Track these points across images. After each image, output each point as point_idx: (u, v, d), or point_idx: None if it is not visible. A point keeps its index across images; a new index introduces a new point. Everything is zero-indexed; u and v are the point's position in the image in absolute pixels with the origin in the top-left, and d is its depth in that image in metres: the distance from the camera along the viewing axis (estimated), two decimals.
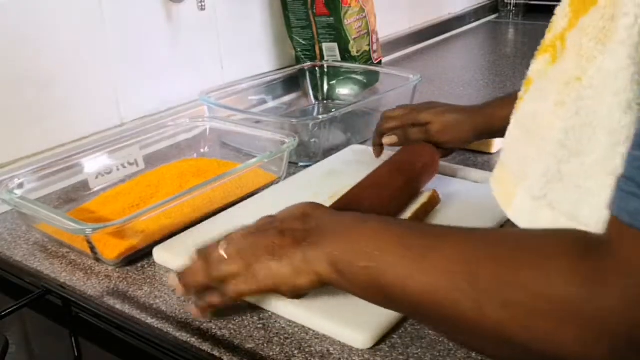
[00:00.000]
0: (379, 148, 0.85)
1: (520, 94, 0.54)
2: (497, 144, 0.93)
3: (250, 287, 0.52)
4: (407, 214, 0.68)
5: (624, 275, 0.33)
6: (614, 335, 0.33)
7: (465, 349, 0.47)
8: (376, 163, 0.78)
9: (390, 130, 0.82)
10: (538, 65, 0.51)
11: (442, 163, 0.81)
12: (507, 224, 0.58)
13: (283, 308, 0.57)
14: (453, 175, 0.84)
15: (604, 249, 0.35)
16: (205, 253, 0.55)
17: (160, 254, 0.68)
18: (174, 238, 0.70)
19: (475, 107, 0.80)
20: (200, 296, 0.55)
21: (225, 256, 0.53)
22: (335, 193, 0.72)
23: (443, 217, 0.71)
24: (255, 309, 0.59)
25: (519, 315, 0.36)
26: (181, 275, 0.55)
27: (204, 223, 0.73)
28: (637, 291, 0.32)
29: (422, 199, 0.71)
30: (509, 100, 0.71)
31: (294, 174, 0.88)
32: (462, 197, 0.75)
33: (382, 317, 0.54)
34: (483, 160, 0.90)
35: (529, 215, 0.48)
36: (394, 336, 0.54)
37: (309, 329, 0.56)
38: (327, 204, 0.65)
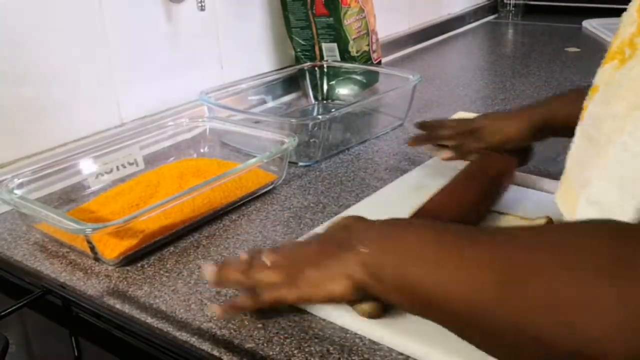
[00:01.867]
0: (415, 143, 0.83)
1: (585, 104, 0.51)
2: None
3: (289, 295, 0.52)
4: None
5: None
6: None
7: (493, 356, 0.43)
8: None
9: (444, 138, 0.80)
10: (605, 73, 0.49)
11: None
12: None
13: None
14: (530, 186, 0.79)
15: None
16: (249, 256, 0.55)
17: None
18: None
19: (530, 105, 0.77)
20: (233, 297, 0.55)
21: (268, 263, 0.53)
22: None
23: None
24: (257, 312, 0.59)
25: (556, 315, 0.34)
26: (220, 268, 0.55)
27: (304, 238, 0.68)
28: None
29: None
30: (573, 97, 0.66)
31: (294, 173, 0.89)
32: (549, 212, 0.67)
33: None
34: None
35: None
36: None
37: (309, 328, 0.56)
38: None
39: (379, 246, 0.48)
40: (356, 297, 0.50)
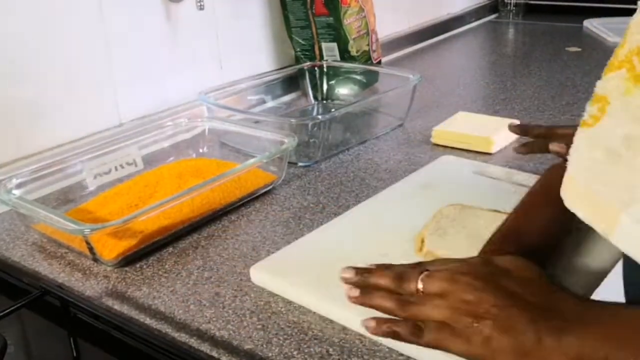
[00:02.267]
0: (526, 149, 0.77)
1: (590, 112, 0.48)
2: (497, 143, 0.92)
3: (457, 348, 0.43)
4: None
5: None
6: None
7: None
8: (473, 177, 0.78)
9: (561, 139, 0.71)
10: (612, 81, 0.46)
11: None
12: None
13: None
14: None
15: None
16: (399, 273, 0.47)
17: (257, 275, 0.63)
18: (274, 255, 0.65)
19: None
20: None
21: (423, 291, 0.45)
22: (440, 211, 0.69)
23: None
24: (253, 310, 0.59)
25: None
26: (365, 286, 0.48)
27: (299, 242, 0.68)
28: None
29: None
30: None
31: (293, 174, 0.88)
32: None
33: None
34: (483, 159, 0.90)
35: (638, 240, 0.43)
36: None
37: (308, 329, 0.56)
38: (435, 222, 0.66)
39: (606, 340, 0.39)
40: None
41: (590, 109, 0.49)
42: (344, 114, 0.96)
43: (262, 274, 0.63)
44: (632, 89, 0.45)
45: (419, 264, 0.48)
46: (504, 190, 0.77)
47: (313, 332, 0.55)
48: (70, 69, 0.90)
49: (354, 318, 0.55)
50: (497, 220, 0.64)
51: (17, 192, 0.73)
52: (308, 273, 0.61)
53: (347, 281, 0.48)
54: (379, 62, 1.29)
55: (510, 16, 2.03)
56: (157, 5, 1.00)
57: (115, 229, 0.65)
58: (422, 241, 0.64)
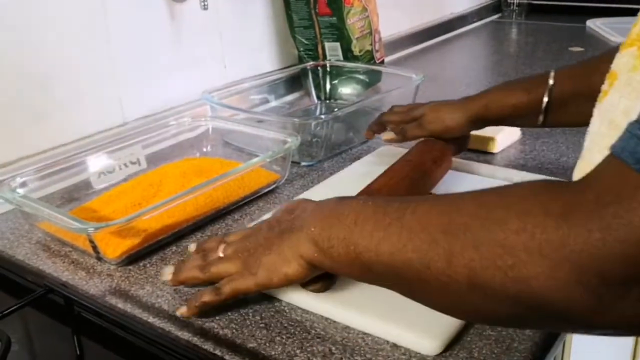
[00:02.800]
0: (371, 133, 0.87)
1: (603, 87, 0.51)
2: (500, 143, 0.93)
3: (246, 285, 0.55)
4: None
5: (595, 204, 0.32)
6: (583, 271, 0.32)
7: (438, 310, 0.44)
8: None
9: (391, 123, 0.85)
10: (623, 59, 0.49)
11: (457, 160, 0.83)
12: None
13: (334, 309, 0.57)
14: (468, 171, 0.84)
15: (578, 186, 0.35)
16: (203, 251, 0.59)
17: None
18: None
19: (470, 96, 0.81)
20: (193, 295, 0.58)
21: (221, 254, 0.57)
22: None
23: None
24: (257, 309, 0.59)
25: (491, 256, 0.36)
26: (177, 268, 0.59)
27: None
28: (605, 217, 0.32)
29: None
30: (509, 89, 0.76)
31: (297, 173, 0.88)
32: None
33: (446, 321, 0.51)
34: (486, 159, 0.90)
35: None
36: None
37: (311, 328, 0.56)
38: None
39: (326, 223, 0.49)
40: (310, 275, 0.53)
41: (604, 84, 0.51)
42: (346, 114, 0.96)
43: None
44: (638, 66, 0.46)
45: (224, 235, 0.60)
46: None
47: (316, 330, 0.55)
48: (74, 68, 0.90)
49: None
50: None
51: (21, 190, 0.73)
52: None
53: (163, 275, 0.60)
54: (382, 62, 1.29)
55: (513, 16, 2.03)
56: (160, 5, 1.00)
57: (119, 228, 0.66)
58: None
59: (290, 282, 0.54)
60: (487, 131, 0.94)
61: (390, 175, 0.73)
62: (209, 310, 0.57)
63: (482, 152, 0.92)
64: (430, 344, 0.52)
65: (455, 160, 0.83)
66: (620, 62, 0.49)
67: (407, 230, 0.42)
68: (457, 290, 0.38)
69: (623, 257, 0.31)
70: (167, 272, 0.61)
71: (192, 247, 0.64)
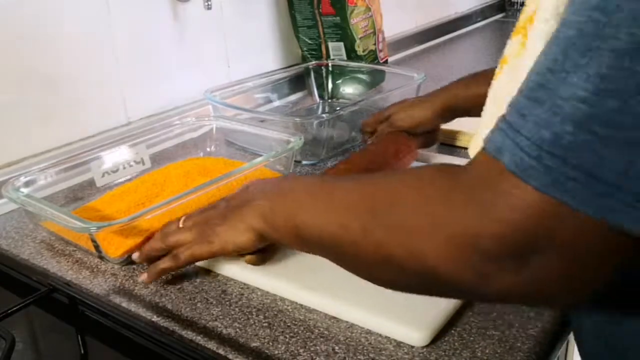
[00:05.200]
0: (365, 139, 0.93)
1: (496, 71, 0.57)
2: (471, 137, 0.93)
3: (201, 251, 0.59)
4: None
5: (471, 189, 0.36)
6: (465, 249, 0.36)
7: (363, 278, 0.48)
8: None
9: (368, 126, 0.91)
10: (513, 45, 0.54)
11: (423, 152, 0.88)
12: None
13: (321, 300, 0.58)
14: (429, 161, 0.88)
15: (462, 173, 0.39)
16: (165, 226, 0.64)
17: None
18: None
19: (437, 90, 0.86)
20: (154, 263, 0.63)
21: (181, 226, 0.62)
22: None
23: None
24: (260, 308, 0.59)
25: (396, 234, 0.41)
26: (143, 247, 0.65)
27: None
28: (479, 201, 0.35)
29: None
30: (473, 79, 0.81)
31: (299, 172, 0.88)
32: None
33: (435, 312, 0.55)
34: (461, 154, 0.91)
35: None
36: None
37: (314, 327, 0.56)
38: None
39: (273, 198, 0.55)
40: (259, 245, 0.58)
41: (497, 68, 0.57)
42: (349, 113, 0.96)
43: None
44: (521, 51, 0.53)
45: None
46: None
47: (319, 330, 0.56)
48: (79, 68, 0.90)
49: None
50: None
51: (25, 190, 0.73)
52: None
53: (135, 257, 0.65)
54: (386, 62, 1.29)
55: (517, 15, 2.03)
56: (164, 5, 1.01)
57: (121, 227, 0.66)
58: None
59: (241, 250, 0.59)
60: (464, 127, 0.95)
61: (348, 169, 0.76)
62: (169, 279, 0.64)
63: (458, 147, 0.93)
64: (419, 335, 0.53)
65: (424, 152, 0.88)
66: (510, 48, 0.56)
67: (334, 207, 0.47)
68: (372, 262, 0.43)
69: (497, 236, 0.35)
70: (136, 254, 0.65)
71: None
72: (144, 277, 0.62)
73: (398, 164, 0.80)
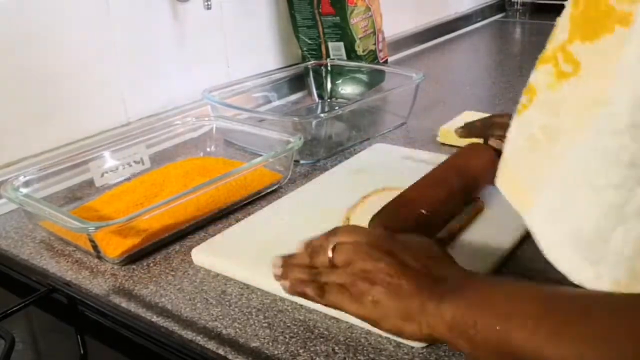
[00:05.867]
0: (466, 132, 0.83)
1: (522, 101, 0.51)
2: None
3: (350, 308, 0.49)
4: (454, 223, 0.67)
5: None
6: None
7: None
8: (401, 161, 0.84)
9: (501, 128, 0.76)
10: (540, 75, 0.49)
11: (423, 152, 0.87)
12: None
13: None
14: None
15: None
16: (312, 249, 0.53)
17: (198, 257, 0.67)
18: (212, 240, 0.69)
19: None
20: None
21: (331, 256, 0.51)
22: (369, 194, 0.76)
23: (483, 220, 0.70)
24: (260, 308, 0.59)
25: None
26: (285, 263, 0.53)
27: (241, 223, 0.73)
28: None
29: (469, 210, 0.70)
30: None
31: (298, 172, 0.88)
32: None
33: None
34: None
35: (546, 223, 0.46)
36: None
37: (314, 327, 0.56)
38: (361, 204, 0.73)
39: (476, 303, 0.43)
40: (426, 342, 0.51)
41: (523, 97, 0.52)
42: (347, 112, 0.96)
43: (204, 256, 0.67)
44: (555, 85, 0.48)
45: (332, 231, 0.53)
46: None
47: (319, 330, 0.55)
48: (78, 67, 0.90)
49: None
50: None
51: (24, 190, 0.73)
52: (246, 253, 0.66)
53: (274, 266, 0.54)
54: (386, 62, 1.29)
55: (517, 15, 2.02)
56: (164, 5, 1.01)
57: (119, 227, 0.66)
58: (348, 219, 0.71)
59: (397, 336, 0.50)
60: None
61: (432, 181, 0.69)
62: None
63: (458, 148, 0.92)
64: None
65: (424, 152, 0.87)
66: (538, 78, 0.49)
67: (575, 342, 0.38)
68: None
69: None
70: (277, 265, 0.54)
71: (300, 243, 0.55)
72: (287, 285, 0.52)
73: (479, 181, 0.71)
